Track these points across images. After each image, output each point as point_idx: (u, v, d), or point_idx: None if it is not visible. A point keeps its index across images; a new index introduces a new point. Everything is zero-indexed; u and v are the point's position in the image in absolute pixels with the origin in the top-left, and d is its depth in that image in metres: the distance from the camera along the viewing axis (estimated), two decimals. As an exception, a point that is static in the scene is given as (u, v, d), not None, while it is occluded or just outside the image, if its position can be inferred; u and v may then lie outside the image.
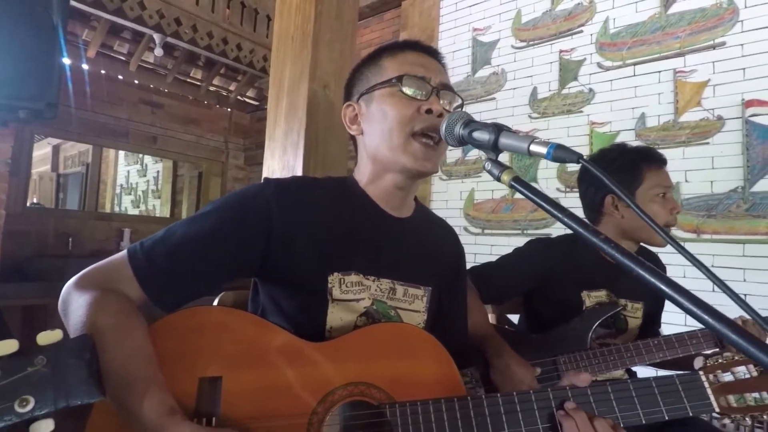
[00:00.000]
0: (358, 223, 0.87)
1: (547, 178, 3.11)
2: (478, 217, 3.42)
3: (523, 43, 3.36)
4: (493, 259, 1.39)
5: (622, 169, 1.31)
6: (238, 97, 5.26)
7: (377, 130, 0.86)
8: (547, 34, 3.25)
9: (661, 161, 1.34)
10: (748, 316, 0.50)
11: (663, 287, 0.42)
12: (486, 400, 0.73)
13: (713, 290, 0.49)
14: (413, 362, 0.78)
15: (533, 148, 0.56)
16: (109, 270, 0.74)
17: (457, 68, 3.68)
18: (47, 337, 0.49)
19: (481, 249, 3.33)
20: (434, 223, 1.05)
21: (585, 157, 0.52)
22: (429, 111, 0.82)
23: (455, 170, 3.58)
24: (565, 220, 0.52)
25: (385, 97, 0.86)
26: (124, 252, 0.75)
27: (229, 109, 5.37)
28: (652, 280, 0.43)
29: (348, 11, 1.37)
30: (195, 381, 0.68)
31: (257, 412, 0.69)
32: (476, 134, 0.66)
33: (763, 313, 1.22)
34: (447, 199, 3.60)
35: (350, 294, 0.83)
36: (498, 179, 0.61)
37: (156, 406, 0.58)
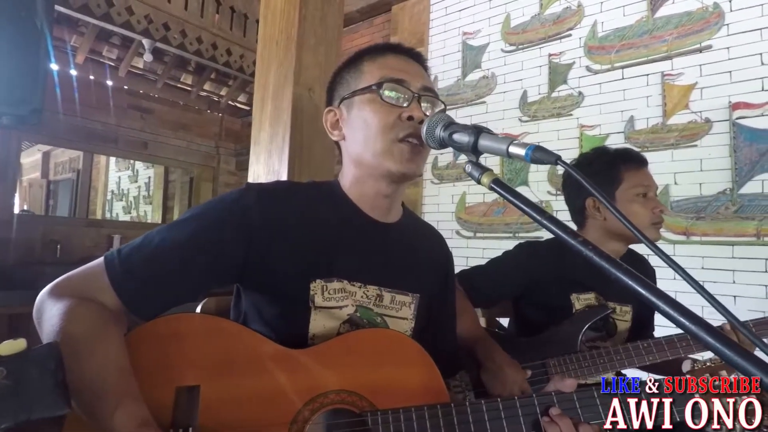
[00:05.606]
0: (341, 228, 0.85)
1: (538, 181, 3.12)
2: (470, 220, 3.41)
3: (513, 47, 3.38)
4: (485, 262, 1.38)
5: (600, 171, 1.31)
6: (229, 102, 5.23)
7: (359, 137, 0.84)
8: (537, 38, 3.26)
9: (640, 161, 1.33)
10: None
11: (641, 290, 0.42)
12: (470, 407, 0.71)
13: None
14: (396, 369, 0.77)
15: (512, 149, 0.55)
16: (85, 278, 0.72)
17: (448, 72, 3.69)
18: (10, 347, 0.47)
19: (473, 252, 3.32)
20: (421, 229, 1.03)
21: (563, 159, 0.51)
22: (410, 118, 0.81)
23: (447, 174, 3.58)
24: (545, 222, 0.51)
25: (366, 104, 0.84)
26: (101, 259, 0.73)
27: (220, 114, 5.33)
28: (630, 283, 0.42)
29: (333, 15, 1.37)
30: (172, 391, 0.66)
31: (236, 421, 0.67)
32: (456, 136, 0.66)
33: (754, 315, 1.22)
34: (438, 203, 3.59)
35: (333, 301, 0.81)
36: (478, 182, 0.60)
37: (128, 419, 0.56)
